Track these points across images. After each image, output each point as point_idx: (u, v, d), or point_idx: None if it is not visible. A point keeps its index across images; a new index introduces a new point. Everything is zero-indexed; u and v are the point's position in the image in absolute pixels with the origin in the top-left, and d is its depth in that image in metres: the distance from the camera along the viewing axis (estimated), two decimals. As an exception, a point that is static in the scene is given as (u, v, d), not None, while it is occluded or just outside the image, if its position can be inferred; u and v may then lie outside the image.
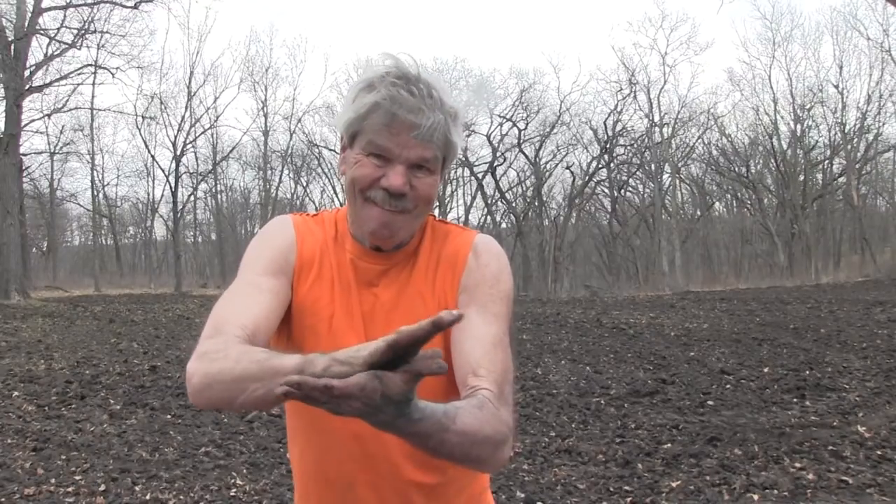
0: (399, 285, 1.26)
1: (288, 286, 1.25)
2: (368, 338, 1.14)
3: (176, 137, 29.58)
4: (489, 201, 32.32)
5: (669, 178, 30.92)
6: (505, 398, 1.15)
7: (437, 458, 1.02)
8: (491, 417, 1.07)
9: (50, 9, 20.09)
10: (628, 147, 30.86)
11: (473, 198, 32.92)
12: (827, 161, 30.21)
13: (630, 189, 33.48)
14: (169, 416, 6.14)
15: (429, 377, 0.90)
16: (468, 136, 31.39)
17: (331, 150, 31.85)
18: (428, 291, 1.26)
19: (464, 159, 31.30)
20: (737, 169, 31.35)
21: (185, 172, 30.74)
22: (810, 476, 4.25)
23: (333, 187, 32.62)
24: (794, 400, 6.29)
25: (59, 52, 20.74)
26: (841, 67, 28.40)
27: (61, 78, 22.15)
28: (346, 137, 1.22)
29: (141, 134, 30.92)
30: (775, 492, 4.05)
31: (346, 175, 1.22)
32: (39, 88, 21.33)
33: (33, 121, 23.99)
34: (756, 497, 3.99)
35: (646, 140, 29.74)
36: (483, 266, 1.27)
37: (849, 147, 28.59)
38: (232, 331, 1.11)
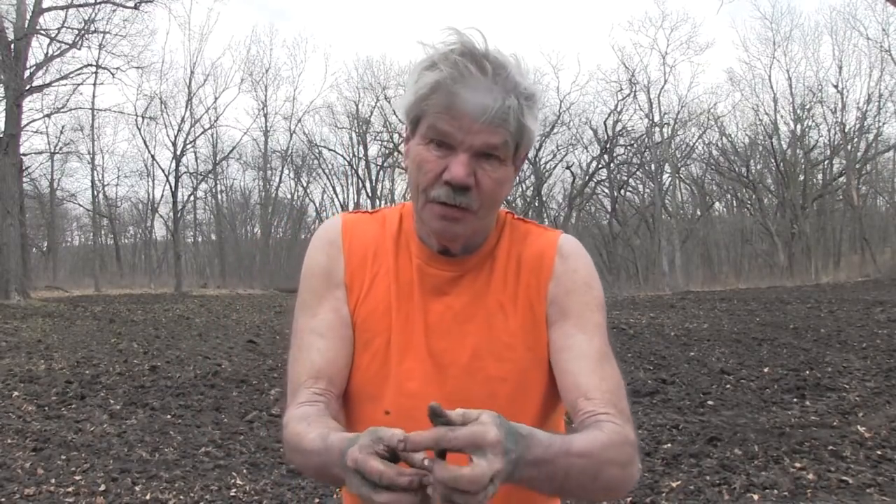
0: (474, 293, 1.13)
1: (344, 302, 1.14)
2: (432, 352, 1.10)
3: (176, 137, 29.63)
4: (489, 201, 32.30)
5: (669, 178, 30.95)
6: (624, 415, 1.03)
7: (562, 494, 0.95)
8: (613, 435, 0.97)
9: (50, 9, 20.10)
10: (628, 147, 30.89)
11: (473, 198, 32.90)
12: (827, 161, 30.22)
13: (630, 189, 33.53)
14: (169, 416, 6.15)
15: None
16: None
17: (331, 150, 31.89)
18: (509, 301, 1.12)
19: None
20: (737, 169, 31.36)
21: (185, 172, 30.80)
22: (810, 476, 4.25)
23: (333, 187, 32.65)
24: (794, 400, 6.29)
25: (59, 52, 20.74)
26: (841, 67, 28.42)
27: (61, 78, 22.16)
28: (409, 125, 1.08)
29: (141, 134, 30.98)
30: (775, 492, 4.05)
31: (408, 169, 1.09)
32: (39, 88, 21.33)
33: (33, 121, 23.98)
34: (756, 497, 3.99)
35: (646, 140, 29.76)
36: (572, 272, 1.14)
37: (849, 147, 28.59)
38: (307, 395, 1.08)
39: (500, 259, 1.14)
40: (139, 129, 30.32)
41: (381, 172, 32.42)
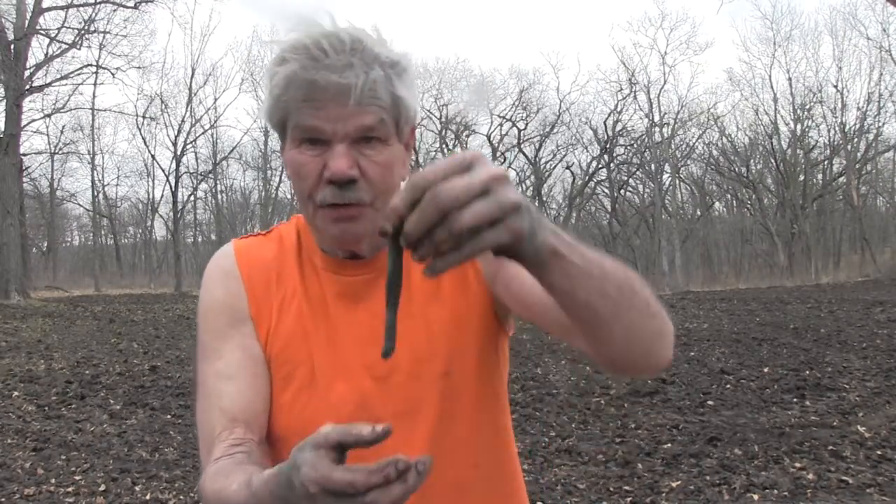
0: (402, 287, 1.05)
1: (253, 337, 1.03)
2: (367, 366, 0.99)
3: (176, 137, 29.62)
4: (489, 201, 32.31)
5: (669, 178, 30.93)
6: None
7: (604, 303, 0.76)
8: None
9: (50, 9, 20.10)
10: (628, 147, 30.90)
11: (473, 198, 32.91)
12: (827, 161, 30.21)
13: (630, 189, 33.53)
14: (169, 416, 6.15)
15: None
16: (468, 136, 31.41)
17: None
18: (434, 284, 1.03)
19: (464, 159, 31.31)
20: (737, 169, 31.36)
21: (185, 172, 30.79)
22: (810, 476, 4.25)
23: (333, 187, 32.57)
24: (794, 400, 6.29)
25: (59, 52, 20.76)
26: (840, 67, 28.43)
27: (62, 78, 22.17)
28: (277, 132, 0.98)
29: (141, 134, 31.07)
30: (775, 492, 4.05)
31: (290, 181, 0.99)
32: (39, 88, 21.34)
33: (33, 121, 24.00)
34: (756, 497, 3.99)
35: (646, 140, 29.76)
36: None
37: (849, 147, 28.59)
38: (223, 448, 0.95)
39: None
40: (139, 129, 30.38)
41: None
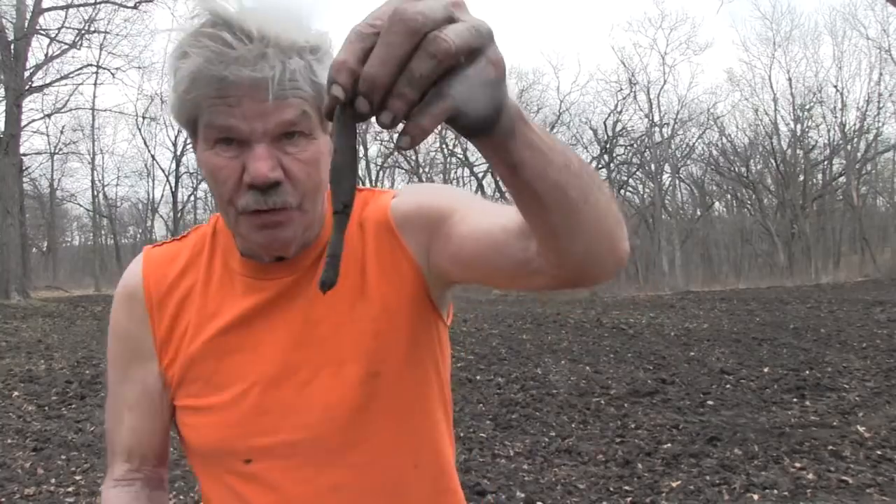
0: (319, 292, 0.90)
1: (154, 374, 0.98)
2: (292, 371, 0.93)
3: (176, 137, 29.63)
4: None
5: (669, 178, 30.96)
6: None
7: (564, 189, 0.65)
8: None
9: (50, 9, 20.09)
10: (628, 147, 30.91)
11: (473, 198, 32.90)
12: (827, 161, 30.23)
13: (630, 189, 33.52)
14: (169, 416, 6.15)
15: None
16: (468, 136, 31.34)
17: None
18: (360, 279, 0.94)
19: (464, 159, 31.32)
20: (737, 169, 31.37)
21: (185, 172, 30.82)
22: (810, 476, 4.25)
23: (333, 187, 32.62)
24: (794, 400, 6.29)
25: (59, 52, 20.74)
26: (840, 67, 28.47)
27: (62, 78, 22.15)
28: (188, 132, 0.88)
29: (141, 134, 31.07)
30: (775, 492, 4.05)
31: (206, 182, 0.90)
32: (39, 88, 21.33)
33: (33, 121, 24.00)
34: (756, 497, 3.99)
35: (646, 140, 29.77)
36: (413, 194, 0.97)
37: (849, 147, 28.60)
38: (121, 471, 1.02)
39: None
40: (139, 130, 30.37)
41: (381, 172, 32.47)
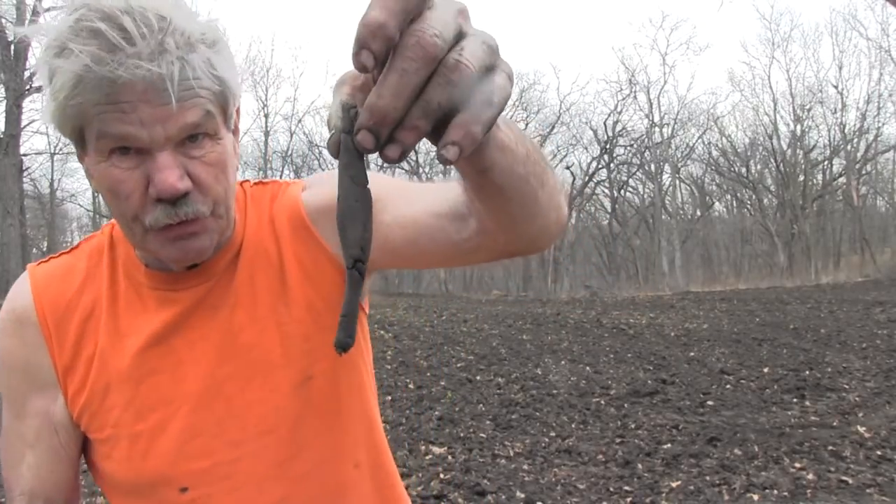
0: (239, 297, 0.88)
1: (56, 401, 0.89)
2: (220, 388, 0.87)
3: (176, 137, 29.60)
4: (489, 201, 32.32)
5: (669, 178, 30.96)
6: None
7: (523, 182, 0.63)
8: None
9: (51, 9, 20.09)
10: (628, 147, 30.90)
11: (473, 198, 32.92)
12: (827, 161, 30.23)
13: (630, 189, 33.52)
14: (169, 417, 6.15)
15: None
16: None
17: (331, 150, 31.89)
18: (279, 282, 0.89)
19: (464, 159, 31.31)
20: (737, 169, 31.38)
21: (185, 172, 30.80)
22: (810, 476, 4.25)
23: (333, 187, 32.63)
24: (794, 400, 6.29)
25: (59, 52, 20.76)
26: (840, 68, 28.45)
27: (61, 78, 22.15)
28: (72, 141, 0.77)
29: (141, 134, 30.93)
30: (775, 492, 4.05)
31: (100, 196, 0.82)
32: (40, 89, 21.30)
33: (34, 121, 23.96)
34: (756, 497, 3.99)
35: (646, 140, 29.77)
36: (325, 184, 0.90)
37: (849, 147, 28.60)
38: None
39: (250, 242, 0.89)
40: (139, 130, 30.34)
41: (381, 172, 32.46)
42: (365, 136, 0.43)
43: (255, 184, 0.94)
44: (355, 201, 0.46)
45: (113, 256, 0.90)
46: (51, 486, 0.91)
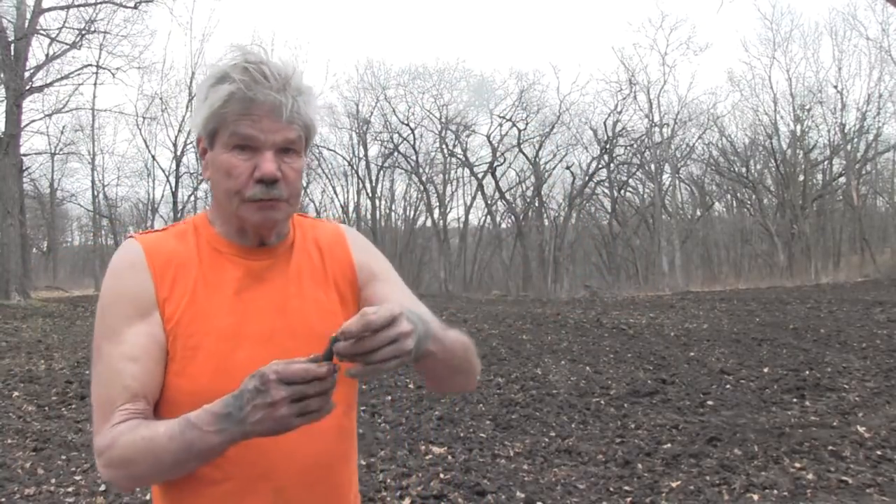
0: (291, 275, 1.24)
1: (158, 324, 1.16)
2: (269, 336, 1.18)
3: (176, 137, 29.66)
4: (489, 201, 32.32)
5: (669, 178, 30.92)
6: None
7: (453, 373, 1.21)
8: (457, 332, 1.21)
9: (51, 9, 20.08)
10: (628, 147, 30.87)
11: (473, 198, 32.90)
12: (827, 161, 30.20)
13: (630, 189, 33.51)
14: (169, 416, 6.14)
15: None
16: (468, 136, 31.39)
17: (331, 150, 31.86)
18: (322, 277, 1.26)
19: (464, 159, 31.31)
20: (737, 169, 31.35)
21: (185, 172, 30.81)
22: (810, 476, 4.25)
23: (333, 187, 32.64)
24: (794, 400, 6.29)
25: (59, 52, 20.72)
26: (840, 68, 28.41)
27: (62, 78, 22.11)
28: (206, 138, 1.17)
29: (141, 134, 31.04)
30: (775, 492, 4.05)
31: (211, 179, 1.19)
32: (40, 89, 21.31)
33: (34, 121, 23.95)
34: (756, 497, 3.99)
35: (646, 140, 29.74)
36: (363, 243, 1.35)
37: (849, 147, 28.58)
38: (122, 415, 1.10)
39: (298, 243, 1.27)
40: (139, 130, 30.34)
41: (381, 172, 32.45)
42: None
43: (297, 214, 1.33)
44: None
45: (197, 234, 1.23)
46: (151, 388, 1.14)
